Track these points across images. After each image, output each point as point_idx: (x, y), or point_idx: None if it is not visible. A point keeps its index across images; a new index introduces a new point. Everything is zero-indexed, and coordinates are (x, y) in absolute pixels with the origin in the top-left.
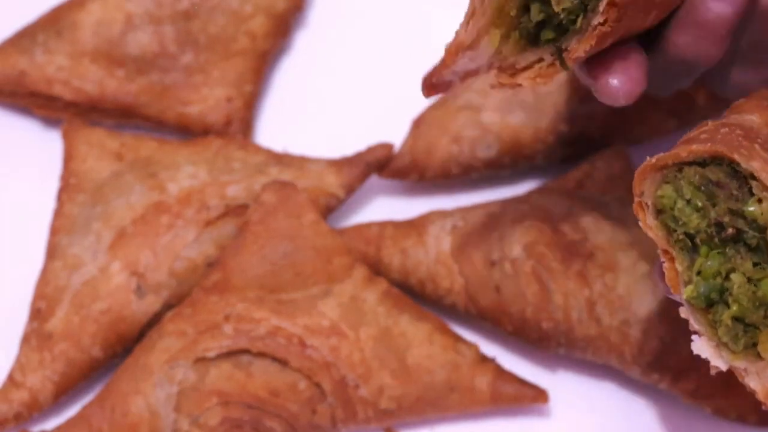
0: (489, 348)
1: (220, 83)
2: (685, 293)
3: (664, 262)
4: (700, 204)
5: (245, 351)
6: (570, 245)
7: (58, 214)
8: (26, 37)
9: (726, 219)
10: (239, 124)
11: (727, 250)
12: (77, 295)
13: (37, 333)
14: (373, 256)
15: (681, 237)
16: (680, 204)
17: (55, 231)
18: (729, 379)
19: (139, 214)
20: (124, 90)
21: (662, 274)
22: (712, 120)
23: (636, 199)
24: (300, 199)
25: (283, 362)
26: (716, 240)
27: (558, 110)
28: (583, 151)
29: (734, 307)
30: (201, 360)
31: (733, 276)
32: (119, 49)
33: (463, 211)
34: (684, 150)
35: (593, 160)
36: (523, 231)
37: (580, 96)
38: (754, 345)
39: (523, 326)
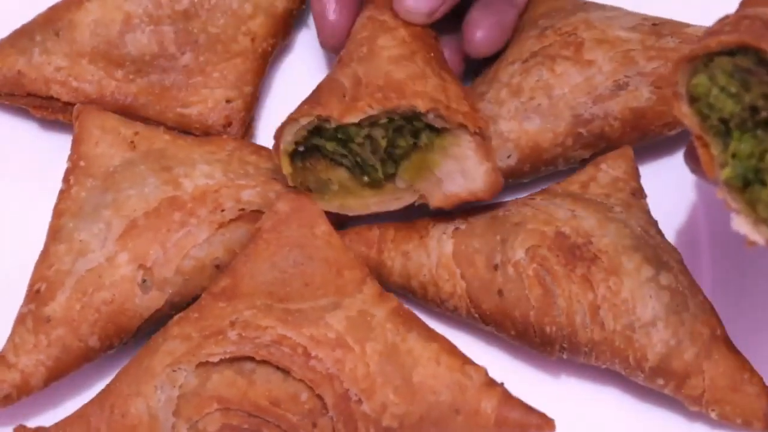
0: (492, 352)
1: (220, 84)
2: (723, 175)
3: (697, 148)
4: (734, 90)
5: (248, 358)
6: (574, 248)
7: (65, 196)
8: (24, 36)
9: (760, 103)
10: (239, 125)
11: (758, 132)
12: (81, 281)
13: (35, 315)
14: (374, 259)
15: (715, 123)
16: (715, 91)
17: (59, 213)
18: (735, 384)
19: (152, 208)
20: (123, 91)
21: (691, 158)
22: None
23: (671, 90)
24: (313, 210)
25: (285, 371)
26: (748, 124)
27: (574, 112)
28: (603, 152)
29: None
30: (203, 365)
31: (767, 156)
32: (118, 49)
33: (465, 213)
34: (713, 41)
35: (597, 162)
36: (526, 234)
37: (594, 96)
38: None
39: (526, 330)
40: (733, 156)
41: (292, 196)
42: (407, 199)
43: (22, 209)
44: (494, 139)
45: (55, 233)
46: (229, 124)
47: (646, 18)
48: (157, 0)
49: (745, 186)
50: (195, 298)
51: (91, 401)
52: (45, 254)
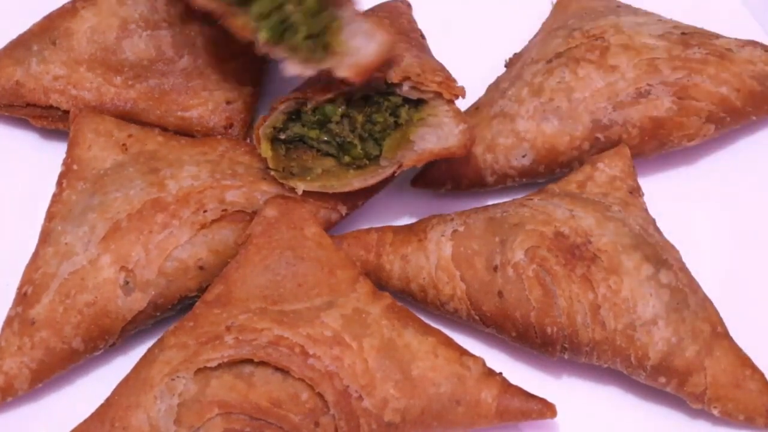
0: (493, 354)
1: (220, 86)
2: (261, 38)
3: (226, 25)
4: None
5: (247, 361)
6: (573, 248)
7: (56, 199)
8: (20, 46)
9: None
10: (240, 126)
11: None
12: (64, 284)
13: (21, 318)
14: (373, 263)
15: None
16: None
17: (51, 216)
18: (737, 380)
19: (135, 209)
20: (123, 97)
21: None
22: None
23: None
24: (302, 212)
25: (285, 371)
26: None
27: (593, 117)
28: None
29: (302, 29)
30: (202, 371)
31: (285, 8)
32: (115, 55)
33: (463, 215)
34: None
35: (594, 161)
36: (525, 235)
37: (615, 102)
38: (327, 48)
39: (526, 331)
40: (259, 18)
41: (280, 200)
42: (387, 171)
43: (24, 220)
44: (510, 138)
45: (45, 236)
46: (231, 126)
47: (677, 26)
48: (152, 4)
49: (281, 37)
50: (179, 300)
51: (91, 416)
52: (34, 257)
